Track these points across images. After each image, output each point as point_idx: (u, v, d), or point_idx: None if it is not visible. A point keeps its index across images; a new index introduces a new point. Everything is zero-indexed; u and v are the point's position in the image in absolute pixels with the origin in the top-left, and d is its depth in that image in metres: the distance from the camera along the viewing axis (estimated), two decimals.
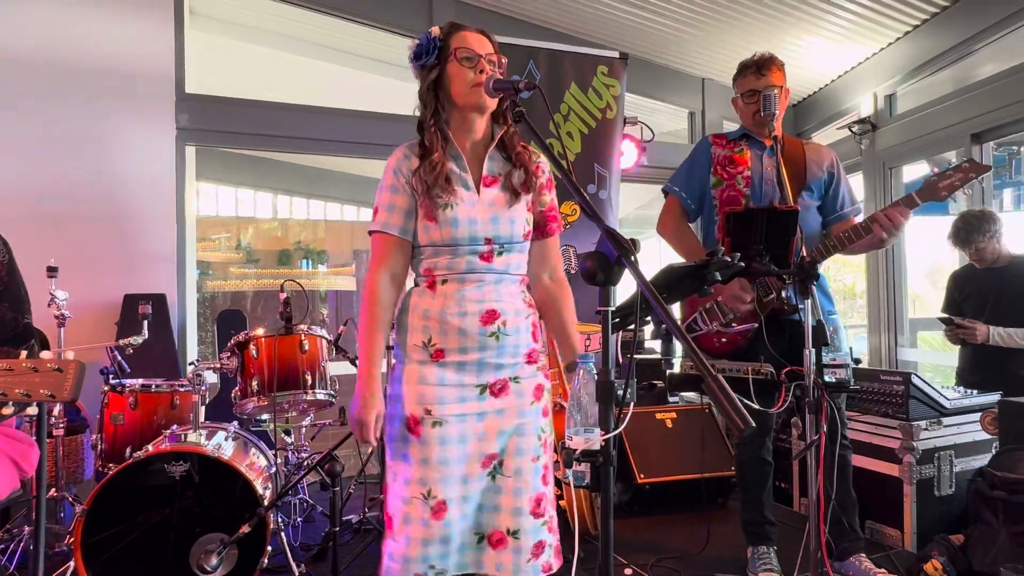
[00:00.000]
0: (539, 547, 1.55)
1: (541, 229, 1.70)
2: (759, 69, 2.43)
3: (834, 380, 1.95)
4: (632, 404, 1.14)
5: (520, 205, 1.62)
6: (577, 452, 1.17)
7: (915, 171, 4.63)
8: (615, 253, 1.15)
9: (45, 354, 1.27)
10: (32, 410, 1.34)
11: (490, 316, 1.55)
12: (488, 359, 1.56)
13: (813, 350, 1.94)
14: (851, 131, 4.56)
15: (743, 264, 1.58)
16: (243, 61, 5.27)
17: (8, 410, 1.27)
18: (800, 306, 1.98)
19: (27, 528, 2.63)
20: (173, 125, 3.95)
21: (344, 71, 5.38)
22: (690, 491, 3.33)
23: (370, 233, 1.64)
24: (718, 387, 0.91)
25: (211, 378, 2.96)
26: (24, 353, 1.29)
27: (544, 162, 1.70)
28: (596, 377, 1.18)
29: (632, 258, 1.14)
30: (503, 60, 1.60)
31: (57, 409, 2.71)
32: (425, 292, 1.59)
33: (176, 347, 3.74)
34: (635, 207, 7.19)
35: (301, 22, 4.64)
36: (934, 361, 4.68)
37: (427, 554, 1.49)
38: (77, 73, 3.73)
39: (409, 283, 1.69)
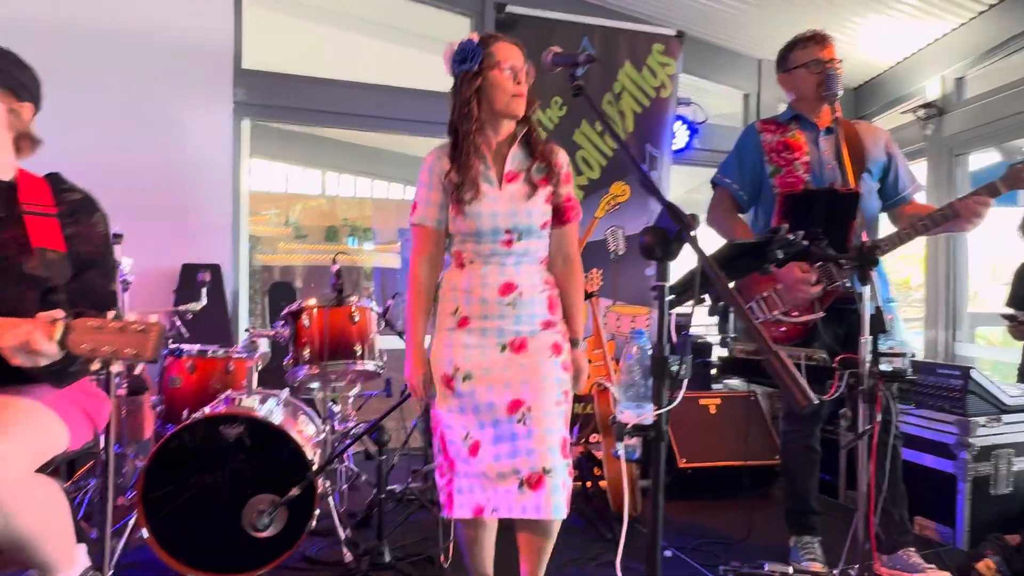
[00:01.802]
0: (564, 486, 1.74)
1: (559, 218, 1.88)
2: (823, 40, 2.35)
3: (891, 369, 1.90)
4: (687, 380, 1.14)
5: (538, 197, 1.80)
6: (629, 426, 1.18)
7: (983, 159, 4.42)
8: (674, 228, 1.14)
9: (130, 315, 1.31)
10: (116, 367, 1.40)
11: (507, 288, 1.77)
12: (506, 326, 1.78)
13: (870, 338, 1.90)
14: (916, 115, 4.38)
15: (806, 242, 1.54)
16: (299, 38, 5.34)
17: (96, 366, 1.32)
18: (858, 291, 1.92)
19: (92, 480, 2.77)
20: (231, 100, 4.05)
21: (398, 49, 5.40)
22: (733, 478, 3.30)
23: (410, 225, 1.88)
24: (780, 363, 0.90)
25: (263, 347, 3.05)
26: (111, 314, 1.33)
27: (563, 157, 1.87)
28: (649, 353, 1.18)
29: (692, 233, 1.13)
30: (531, 71, 1.78)
31: (139, 368, 2.78)
32: (455, 270, 1.85)
33: (229, 315, 3.86)
34: (684, 191, 7.08)
35: None
36: (993, 357, 4.51)
37: (473, 484, 1.75)
38: (141, 49, 3.84)
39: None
